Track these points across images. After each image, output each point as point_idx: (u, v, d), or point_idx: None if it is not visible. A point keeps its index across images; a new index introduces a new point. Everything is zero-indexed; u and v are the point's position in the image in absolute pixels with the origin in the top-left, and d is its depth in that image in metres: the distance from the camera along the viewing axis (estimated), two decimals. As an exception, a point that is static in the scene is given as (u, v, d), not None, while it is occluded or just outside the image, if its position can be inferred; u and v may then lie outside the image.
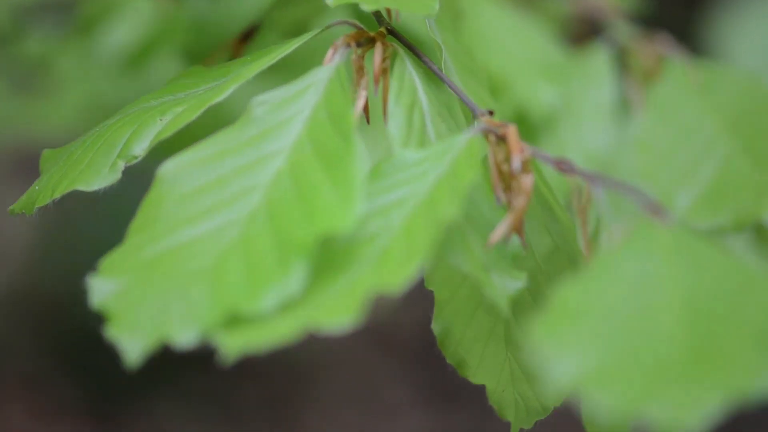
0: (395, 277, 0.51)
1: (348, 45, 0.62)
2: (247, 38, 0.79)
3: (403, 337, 1.99)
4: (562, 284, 0.49)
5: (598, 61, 0.98)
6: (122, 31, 1.01)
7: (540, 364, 0.46)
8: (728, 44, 1.41)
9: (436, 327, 0.63)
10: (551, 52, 1.00)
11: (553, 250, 0.62)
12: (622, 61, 0.99)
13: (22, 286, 2.04)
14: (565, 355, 0.46)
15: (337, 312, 0.49)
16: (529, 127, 0.95)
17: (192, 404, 1.97)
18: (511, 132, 0.60)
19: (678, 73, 0.89)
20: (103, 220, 1.86)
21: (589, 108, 0.98)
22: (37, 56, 1.11)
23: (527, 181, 0.58)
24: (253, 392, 2.00)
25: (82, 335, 1.92)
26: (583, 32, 1.07)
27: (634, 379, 0.46)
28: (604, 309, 0.48)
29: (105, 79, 1.08)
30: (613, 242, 0.54)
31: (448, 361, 0.64)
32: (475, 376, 0.64)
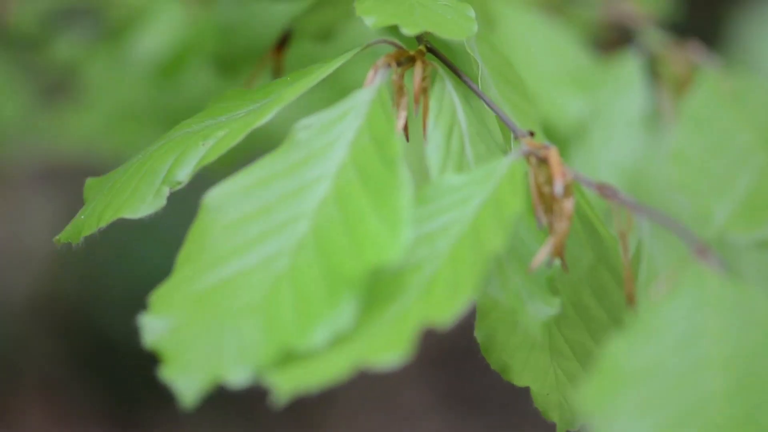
0: (444, 310, 0.50)
1: (388, 65, 0.62)
2: (282, 46, 0.79)
3: (423, 341, 1.98)
4: (609, 341, 0.50)
5: (629, 68, 0.98)
6: (153, 39, 1.00)
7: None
8: (757, 49, 1.40)
9: (479, 334, 0.63)
10: (581, 60, 0.99)
11: (595, 262, 0.62)
12: (653, 69, 0.99)
13: (43, 292, 2.04)
14: (617, 424, 0.47)
15: (387, 348, 0.49)
16: (558, 137, 0.94)
17: (212, 410, 1.98)
18: (553, 155, 0.60)
19: (710, 83, 0.89)
20: (123, 227, 1.85)
21: (619, 117, 0.97)
22: (65, 63, 1.11)
23: (569, 205, 0.58)
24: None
25: (103, 340, 1.92)
26: (614, 39, 1.07)
27: None
28: (652, 369, 0.49)
29: (134, 87, 1.08)
30: (660, 287, 0.54)
31: (492, 366, 0.64)
32: (520, 380, 0.64)
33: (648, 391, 0.48)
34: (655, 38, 1.00)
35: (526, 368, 0.64)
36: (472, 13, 0.62)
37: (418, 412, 2.01)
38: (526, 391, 0.65)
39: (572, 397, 0.65)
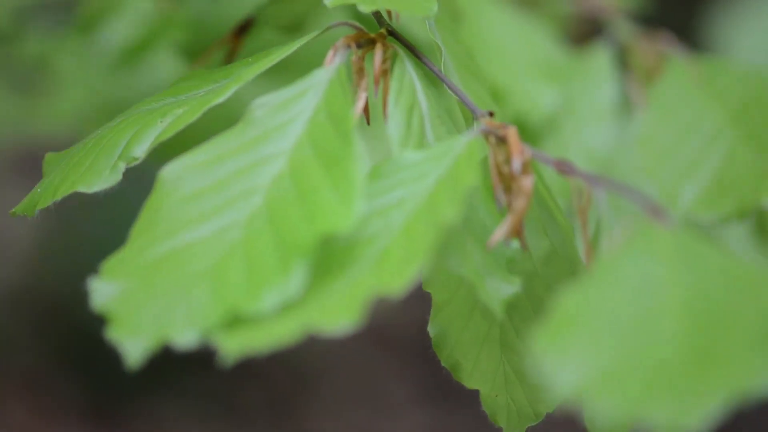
0: (395, 279, 0.51)
1: (348, 46, 0.62)
2: (242, 32, 0.79)
3: (404, 335, 1.99)
4: (562, 289, 0.49)
5: (600, 60, 0.99)
6: (121, 31, 1.01)
7: (542, 373, 0.47)
8: (729, 42, 1.41)
9: (432, 329, 0.64)
10: (552, 52, 1.00)
11: (550, 253, 0.62)
12: (624, 60, 0.99)
13: (23, 285, 2.04)
14: (567, 363, 0.47)
15: (337, 314, 0.49)
16: (530, 129, 0.95)
17: (194, 404, 1.98)
18: (512, 133, 0.60)
19: (679, 70, 0.89)
20: (103, 220, 1.86)
21: (590, 107, 0.98)
22: (36, 55, 1.11)
23: (527, 182, 0.58)
24: (254, 392, 2.00)
25: (84, 335, 1.92)
26: (584, 32, 1.07)
27: (635, 383, 0.46)
28: (604, 313, 0.49)
29: (104, 78, 1.08)
30: (614, 244, 0.54)
31: (443, 364, 0.64)
32: (469, 380, 0.65)
33: (598, 334, 0.48)
34: (625, 30, 1.00)
35: (476, 367, 0.64)
36: None
37: (402, 407, 2.02)
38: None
39: (520, 399, 0.65)
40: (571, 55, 1.01)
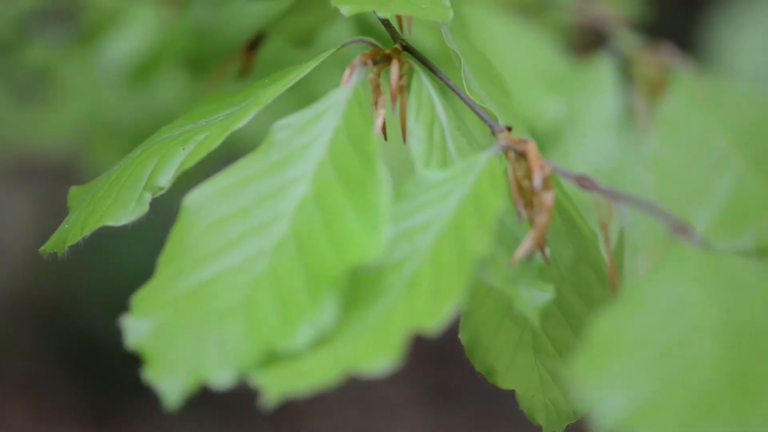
0: (431, 315, 0.50)
1: (365, 64, 0.62)
2: (254, 47, 0.79)
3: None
4: (597, 316, 0.49)
5: (602, 71, 0.99)
6: (126, 42, 1.00)
7: (586, 403, 0.47)
8: (730, 48, 1.41)
9: (463, 336, 0.63)
10: (555, 63, 1.00)
11: (576, 260, 0.62)
12: (627, 71, 1.00)
13: (22, 288, 2.04)
14: (610, 393, 0.47)
15: (377, 353, 0.49)
16: (535, 139, 0.95)
17: (192, 405, 1.98)
18: (531, 148, 0.60)
19: (684, 88, 0.89)
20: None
21: (593, 118, 0.98)
22: (39, 65, 1.11)
23: (548, 197, 0.58)
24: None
25: (83, 337, 1.92)
26: (587, 42, 1.07)
27: (679, 411, 0.46)
28: (641, 339, 0.49)
29: (107, 89, 1.08)
30: (643, 268, 0.54)
31: (477, 368, 0.64)
32: (504, 382, 0.65)
33: (638, 361, 0.48)
34: (628, 41, 1.00)
35: (510, 370, 0.64)
36: (447, 2, 0.63)
37: (400, 408, 2.02)
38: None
39: (557, 398, 0.65)
40: (573, 65, 1.01)
